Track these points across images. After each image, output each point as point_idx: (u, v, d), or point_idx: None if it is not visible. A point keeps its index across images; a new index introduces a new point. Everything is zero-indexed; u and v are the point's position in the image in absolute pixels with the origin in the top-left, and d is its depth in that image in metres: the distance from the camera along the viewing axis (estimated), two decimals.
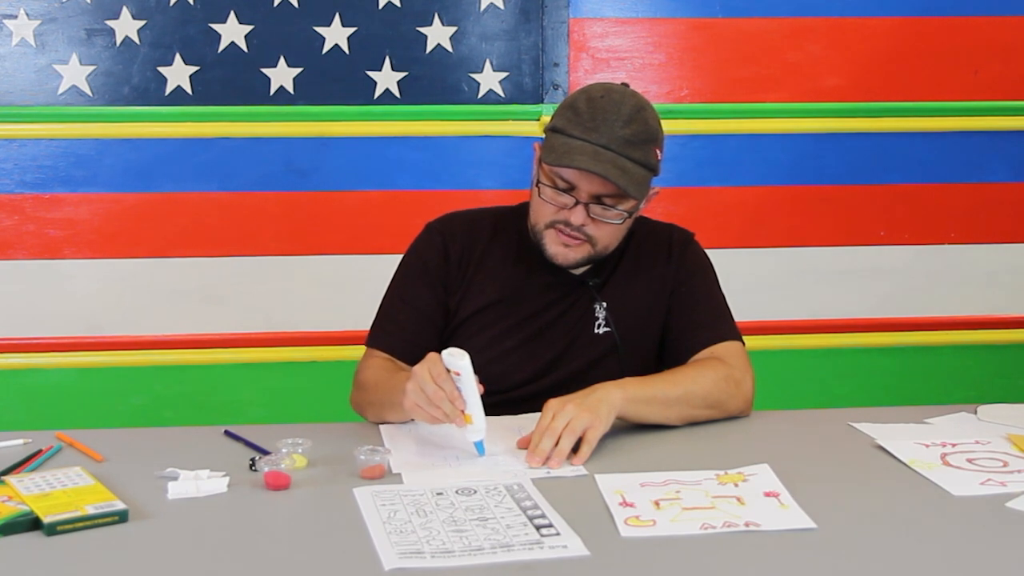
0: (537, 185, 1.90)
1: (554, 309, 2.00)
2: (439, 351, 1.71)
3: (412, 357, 1.79)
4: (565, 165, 1.83)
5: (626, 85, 1.92)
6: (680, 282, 2.02)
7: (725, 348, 1.98)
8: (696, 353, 1.97)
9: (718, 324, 2.01)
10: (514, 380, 1.97)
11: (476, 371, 1.67)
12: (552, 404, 1.71)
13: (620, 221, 1.89)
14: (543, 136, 1.94)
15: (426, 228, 2.07)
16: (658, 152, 1.89)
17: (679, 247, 2.05)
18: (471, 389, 1.66)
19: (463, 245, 2.02)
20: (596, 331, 1.99)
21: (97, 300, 3.07)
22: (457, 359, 1.65)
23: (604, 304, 1.99)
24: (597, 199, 1.86)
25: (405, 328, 1.99)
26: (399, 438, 1.78)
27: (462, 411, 1.66)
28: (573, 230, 1.88)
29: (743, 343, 2.01)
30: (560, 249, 1.91)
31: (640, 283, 2.02)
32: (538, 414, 1.85)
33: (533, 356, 1.99)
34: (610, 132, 1.83)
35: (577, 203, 1.87)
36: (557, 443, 1.65)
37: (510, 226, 2.04)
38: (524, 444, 1.71)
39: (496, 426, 1.82)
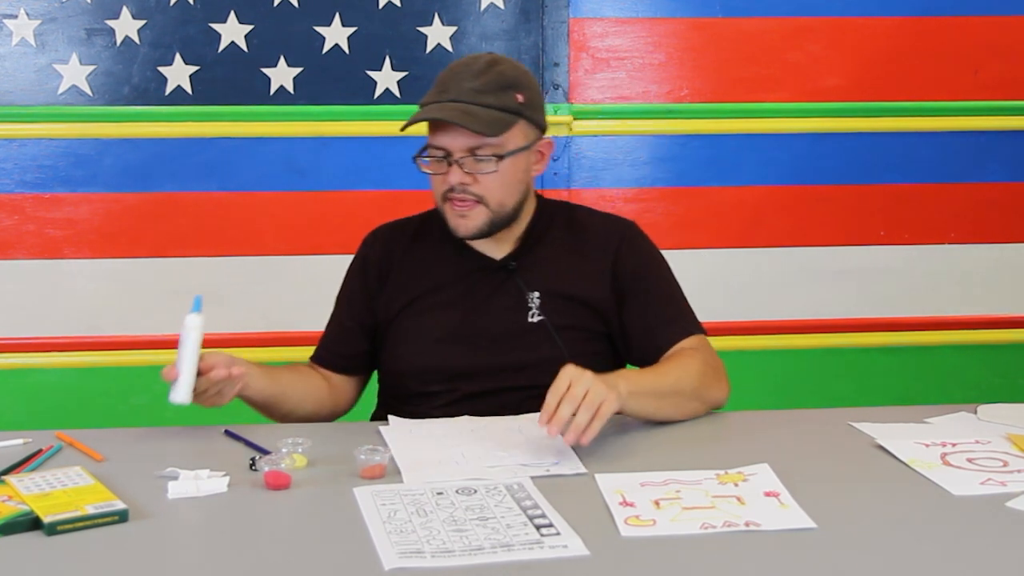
0: (420, 164, 1.95)
1: (480, 294, 2.00)
2: (370, 358, 2.06)
3: (336, 367, 2.08)
4: (410, 123, 1.90)
5: (493, 53, 1.99)
6: (631, 279, 2.01)
7: (694, 342, 1.98)
8: (666, 351, 1.97)
9: (682, 319, 2.02)
10: (454, 369, 1.96)
11: (417, 368, 1.86)
12: (569, 370, 1.69)
13: (494, 168, 1.90)
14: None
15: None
16: (519, 96, 1.92)
17: (621, 240, 2.04)
18: (186, 351, 1.79)
19: (383, 251, 2.08)
20: (530, 320, 1.98)
21: (97, 300, 3.07)
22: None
23: (537, 294, 1.99)
24: (469, 153, 1.90)
25: (330, 341, 2.11)
26: (400, 438, 1.78)
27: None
28: (460, 194, 1.91)
29: (706, 333, 2.03)
30: (458, 220, 1.94)
31: (576, 273, 2.01)
32: (534, 415, 1.86)
33: (466, 343, 1.97)
34: (458, 88, 1.90)
35: (451, 164, 1.90)
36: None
37: (433, 224, 2.06)
38: (546, 421, 1.67)
39: (496, 426, 1.82)
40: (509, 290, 1.99)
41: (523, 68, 1.98)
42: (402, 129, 1.92)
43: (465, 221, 1.93)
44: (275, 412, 2.00)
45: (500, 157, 1.90)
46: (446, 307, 2.00)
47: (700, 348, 1.97)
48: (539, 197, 2.08)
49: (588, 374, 1.68)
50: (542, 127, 1.98)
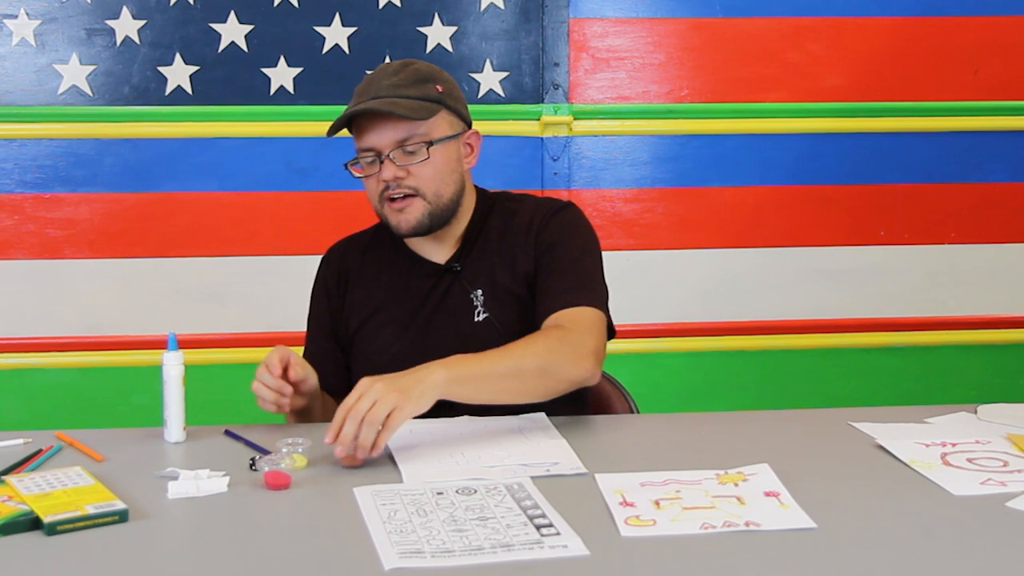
0: (357, 174, 1.97)
1: (431, 300, 2.00)
2: (345, 378, 2.00)
3: (329, 388, 2.02)
4: (335, 126, 1.93)
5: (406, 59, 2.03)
6: (541, 253, 1.99)
7: (574, 313, 1.90)
8: (546, 319, 1.92)
9: (574, 290, 1.93)
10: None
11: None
12: (362, 383, 1.65)
13: (426, 157, 1.92)
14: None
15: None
16: (438, 87, 1.95)
17: (541, 218, 2.02)
18: (170, 390, 1.78)
19: (338, 270, 2.09)
20: (476, 319, 1.98)
21: (97, 300, 3.07)
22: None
23: (480, 292, 1.99)
24: (397, 146, 1.91)
25: (309, 359, 2.03)
26: (400, 438, 1.78)
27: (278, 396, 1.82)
28: (395, 190, 1.92)
29: (602, 311, 1.94)
30: (398, 216, 1.94)
31: (506, 264, 2.00)
32: (534, 415, 1.87)
33: (422, 352, 1.86)
34: (377, 87, 1.93)
35: (383, 161, 1.92)
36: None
37: (384, 236, 2.07)
38: (330, 440, 1.64)
39: (496, 426, 1.82)
40: (455, 292, 2.00)
41: (437, 67, 2.01)
42: (328, 134, 1.96)
43: (405, 216, 1.93)
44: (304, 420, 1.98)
45: (430, 143, 1.92)
46: (397, 321, 2.01)
47: (575, 321, 1.88)
48: (479, 192, 2.08)
49: (379, 384, 1.64)
50: (467, 120, 2.02)
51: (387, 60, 3.03)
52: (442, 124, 1.95)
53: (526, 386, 1.81)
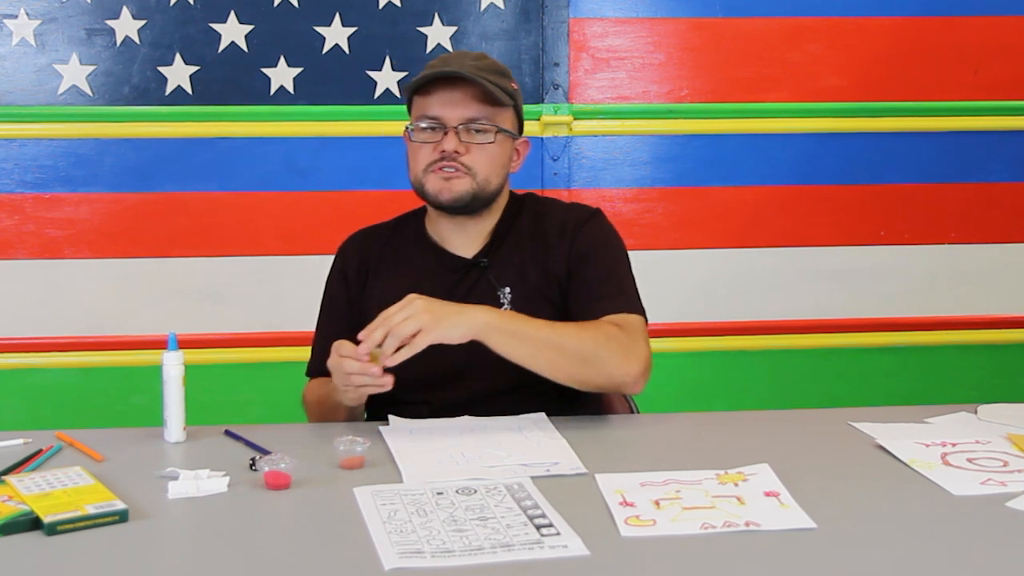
0: (408, 137, 1.97)
1: (455, 295, 1.98)
2: None
3: None
4: (423, 80, 1.92)
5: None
6: (577, 259, 2.00)
7: (623, 318, 1.92)
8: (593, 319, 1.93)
9: (619, 297, 1.96)
10: (435, 373, 1.92)
11: (399, 370, 1.73)
12: (409, 296, 1.75)
13: (492, 140, 1.94)
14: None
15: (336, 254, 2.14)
16: (514, 85, 2.00)
17: (574, 225, 2.03)
18: (170, 391, 1.78)
19: (359, 260, 2.08)
20: None
21: (97, 300, 3.07)
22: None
23: (508, 289, 1.99)
24: (465, 124, 1.92)
25: (325, 353, 1.98)
26: (400, 438, 1.78)
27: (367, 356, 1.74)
28: (450, 161, 1.93)
29: (646, 320, 1.96)
30: (442, 184, 1.94)
31: (537, 265, 2.01)
32: (533, 415, 1.87)
33: (446, 346, 1.86)
34: (460, 63, 1.95)
35: (447, 132, 1.92)
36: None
37: (407, 227, 2.08)
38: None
39: (496, 426, 1.82)
40: (481, 288, 1.99)
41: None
42: (410, 89, 1.95)
43: (449, 184, 1.94)
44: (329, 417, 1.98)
45: (498, 130, 1.94)
46: None
47: (621, 323, 1.90)
48: (510, 193, 2.09)
49: (420, 303, 1.73)
50: (522, 126, 2.05)
51: (387, 60, 3.04)
52: (509, 119, 2.00)
53: (562, 363, 1.83)
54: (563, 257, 2.00)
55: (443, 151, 1.92)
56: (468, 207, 1.96)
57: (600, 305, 1.93)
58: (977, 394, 3.24)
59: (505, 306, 1.98)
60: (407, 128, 1.98)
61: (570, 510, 1.45)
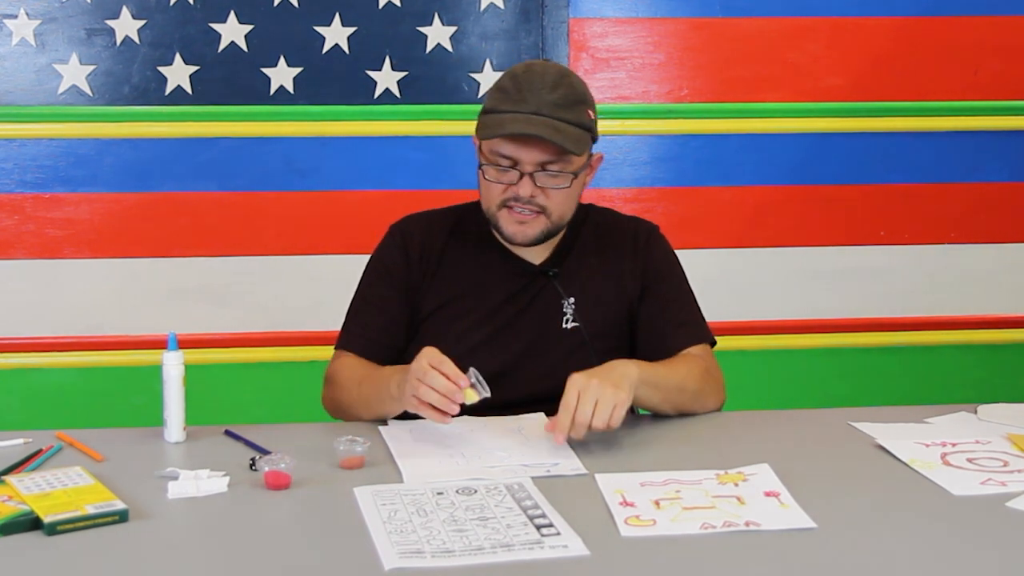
0: (480, 169, 1.93)
1: (519, 300, 1.99)
2: (407, 350, 1.90)
3: (379, 357, 1.96)
4: (498, 135, 1.86)
5: (548, 60, 1.99)
6: (651, 278, 2.03)
7: (700, 350, 2.01)
8: (675, 353, 1.98)
9: (694, 324, 2.04)
10: (484, 374, 1.88)
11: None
12: (576, 379, 1.70)
13: (568, 184, 1.91)
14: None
15: (388, 231, 2.08)
16: (591, 113, 1.93)
17: (645, 240, 2.06)
18: (170, 391, 1.77)
19: (422, 244, 2.03)
20: (564, 326, 1.98)
21: (97, 300, 3.07)
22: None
23: (572, 300, 1.99)
24: (541, 167, 1.88)
25: (371, 329, 2.00)
26: (400, 438, 1.78)
27: (459, 387, 1.69)
28: (524, 204, 1.90)
29: (714, 343, 2.06)
30: (517, 228, 1.92)
31: (604, 277, 2.02)
32: (533, 415, 1.87)
33: (502, 348, 1.96)
34: (538, 99, 1.86)
35: (522, 176, 1.88)
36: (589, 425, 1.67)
37: (470, 222, 2.04)
38: (552, 428, 1.71)
39: (496, 426, 1.82)
40: (546, 296, 1.99)
41: (581, 79, 1.96)
42: (484, 138, 1.89)
43: (524, 228, 1.92)
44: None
45: (575, 175, 1.91)
46: (484, 312, 1.98)
47: (705, 356, 2.00)
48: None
49: (595, 381, 1.69)
50: (595, 139, 1.98)
51: (387, 60, 3.04)
52: (586, 155, 1.94)
53: (681, 401, 1.91)
54: (638, 274, 2.03)
55: (518, 195, 1.89)
56: (541, 242, 1.96)
57: (683, 331, 2.01)
58: (977, 394, 3.23)
59: (567, 316, 1.98)
60: (479, 159, 1.92)
61: (570, 510, 1.46)
